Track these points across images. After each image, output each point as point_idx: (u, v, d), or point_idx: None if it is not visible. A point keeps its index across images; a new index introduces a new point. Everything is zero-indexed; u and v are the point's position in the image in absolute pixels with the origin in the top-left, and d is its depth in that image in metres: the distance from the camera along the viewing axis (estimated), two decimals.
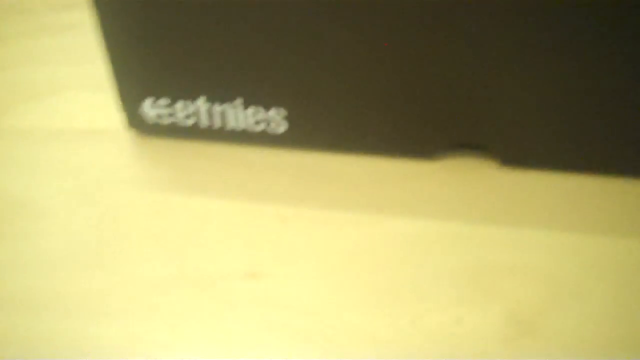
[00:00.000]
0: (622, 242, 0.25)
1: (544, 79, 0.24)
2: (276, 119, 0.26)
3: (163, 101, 0.27)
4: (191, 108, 0.27)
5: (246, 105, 0.26)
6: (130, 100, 0.27)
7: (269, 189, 0.26)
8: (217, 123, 0.27)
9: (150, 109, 0.27)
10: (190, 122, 0.27)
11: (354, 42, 0.24)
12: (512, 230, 0.25)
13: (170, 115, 0.27)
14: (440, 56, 0.24)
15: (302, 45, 0.24)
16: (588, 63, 0.23)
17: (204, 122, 0.27)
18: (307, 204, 0.26)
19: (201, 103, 0.26)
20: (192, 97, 0.26)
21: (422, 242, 0.25)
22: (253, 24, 0.24)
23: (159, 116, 0.27)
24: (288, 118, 0.26)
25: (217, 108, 0.26)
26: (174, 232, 0.25)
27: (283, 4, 0.23)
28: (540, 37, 0.23)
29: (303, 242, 0.25)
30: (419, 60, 0.24)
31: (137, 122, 0.28)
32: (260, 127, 0.27)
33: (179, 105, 0.27)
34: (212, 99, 0.26)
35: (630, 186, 0.26)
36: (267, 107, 0.26)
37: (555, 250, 0.25)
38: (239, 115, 0.27)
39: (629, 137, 0.25)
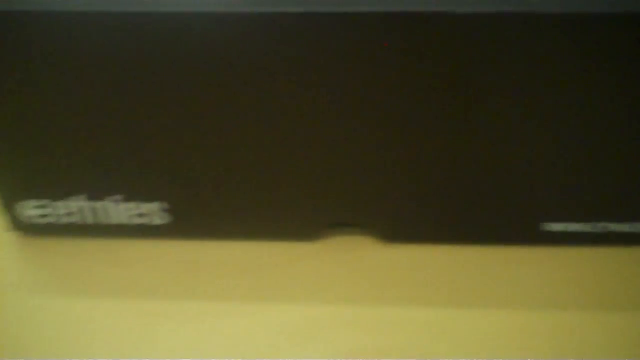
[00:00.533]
0: (504, 314, 0.25)
1: (413, 155, 0.25)
2: (157, 212, 0.27)
3: (43, 201, 0.27)
4: (72, 206, 0.27)
5: (126, 200, 0.26)
6: (10, 202, 0.27)
7: (152, 283, 0.27)
8: (100, 219, 0.27)
9: (31, 209, 0.27)
10: (72, 220, 0.27)
11: (226, 132, 0.25)
12: (396, 310, 0.26)
13: (52, 214, 0.27)
14: (308, 138, 0.24)
15: (176, 139, 0.25)
16: (453, 140, 0.24)
17: (87, 219, 0.27)
18: (190, 296, 0.26)
19: (81, 201, 0.27)
20: (71, 195, 0.26)
21: (306, 328, 0.25)
22: (125, 122, 0.24)
23: (41, 216, 0.27)
24: (169, 210, 0.27)
25: (99, 205, 0.27)
26: (55, 337, 0.25)
27: (149, 98, 0.24)
28: (401, 119, 0.24)
29: (184, 337, 0.25)
30: (290, 142, 0.25)
31: (19, 223, 0.28)
32: (143, 221, 0.27)
33: (60, 204, 0.27)
34: (91, 197, 0.26)
35: (511, 254, 0.27)
36: (146, 201, 0.26)
37: (434, 329, 0.25)
38: (120, 210, 0.27)
39: (502, 208, 0.26)
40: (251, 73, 0.23)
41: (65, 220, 0.27)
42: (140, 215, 0.27)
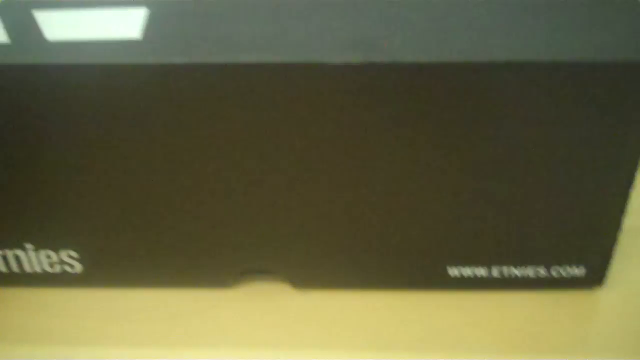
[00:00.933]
0: (415, 356, 0.26)
1: (321, 202, 0.25)
2: (69, 261, 0.27)
3: None
4: None
5: (36, 249, 0.27)
6: None
7: (68, 330, 0.27)
8: (14, 268, 0.27)
9: None
10: None
11: (137, 179, 0.25)
12: (310, 353, 0.26)
13: None
14: (220, 186, 0.25)
15: (85, 186, 0.25)
16: (357, 187, 0.25)
17: (1, 268, 0.27)
18: (106, 342, 0.26)
19: None
20: None
21: None
22: (34, 167, 0.25)
23: None
24: (80, 259, 0.27)
25: (10, 254, 0.27)
26: None
27: (58, 142, 0.24)
28: (307, 165, 0.24)
29: None
30: (202, 191, 0.25)
31: None
32: (57, 270, 0.27)
33: None
34: (2, 246, 0.27)
35: (420, 298, 0.27)
36: (57, 250, 0.27)
37: None
38: (33, 259, 0.27)
39: (409, 253, 0.26)
40: (147, 122, 0.24)
41: None
42: (53, 265, 0.27)
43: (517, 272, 0.26)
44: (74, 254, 0.27)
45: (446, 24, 0.23)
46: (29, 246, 0.27)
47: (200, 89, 0.23)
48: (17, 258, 0.27)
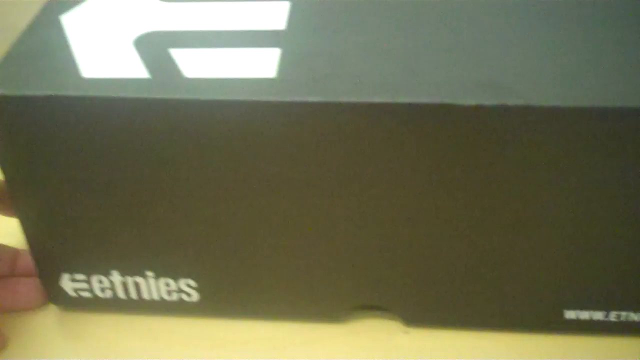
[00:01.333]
0: None
1: (438, 241, 0.25)
2: (187, 290, 0.28)
3: (79, 276, 0.28)
4: (106, 282, 0.28)
5: (157, 277, 0.27)
6: (48, 275, 0.28)
7: (181, 358, 0.27)
8: (133, 295, 0.28)
9: (68, 283, 0.28)
10: (107, 295, 0.28)
11: (253, 214, 0.26)
12: None
13: (88, 289, 0.28)
14: (334, 222, 0.25)
15: (205, 220, 0.26)
16: (476, 226, 0.25)
17: (121, 294, 0.28)
18: None
19: (115, 277, 0.28)
20: (105, 271, 0.28)
21: None
22: (157, 203, 0.26)
23: (77, 290, 0.28)
24: (198, 289, 0.28)
25: (130, 280, 0.28)
26: None
27: (177, 180, 0.25)
28: (423, 204, 0.25)
29: None
30: (316, 226, 0.26)
31: (57, 297, 0.29)
32: (174, 298, 0.28)
33: (95, 279, 0.28)
34: (124, 273, 0.28)
35: (534, 340, 0.27)
36: (176, 279, 0.27)
37: None
38: (152, 287, 0.28)
39: (526, 295, 0.26)
40: (277, 159, 0.24)
41: (101, 295, 0.28)
42: (170, 293, 0.28)
43: (635, 316, 0.26)
44: (192, 282, 0.28)
45: (576, 68, 0.24)
46: (149, 274, 0.27)
47: (335, 127, 0.23)
48: (137, 285, 0.28)
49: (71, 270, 0.28)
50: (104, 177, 0.25)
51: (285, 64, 0.24)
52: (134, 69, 0.24)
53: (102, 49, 0.25)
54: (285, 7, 0.28)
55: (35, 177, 0.26)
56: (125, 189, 0.26)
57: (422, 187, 0.24)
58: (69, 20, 0.27)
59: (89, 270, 0.28)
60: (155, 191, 0.25)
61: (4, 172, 0.26)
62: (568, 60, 0.24)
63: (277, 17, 0.27)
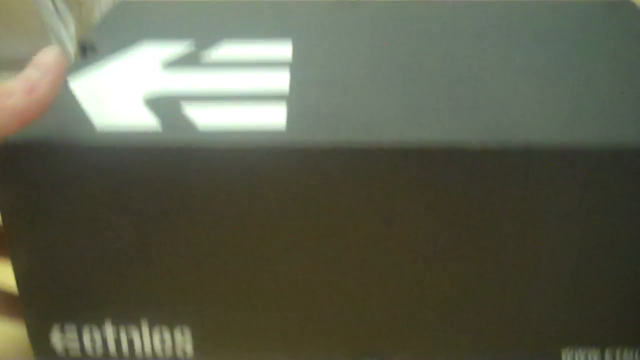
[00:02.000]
0: None
1: (435, 290, 0.26)
2: (182, 344, 0.27)
3: (70, 327, 0.27)
4: (98, 337, 0.27)
5: (152, 326, 0.27)
6: (37, 326, 0.27)
7: None
8: (125, 351, 0.27)
9: (58, 336, 0.27)
10: (98, 352, 0.27)
11: (256, 263, 0.26)
12: None
13: (77, 346, 0.27)
14: (341, 268, 0.26)
15: (208, 266, 0.26)
16: (474, 273, 0.26)
17: (112, 350, 0.27)
18: None
19: (107, 328, 0.27)
20: (98, 320, 0.27)
21: None
22: (151, 248, 0.26)
23: (66, 346, 0.27)
24: (194, 339, 0.27)
25: (124, 334, 0.27)
26: None
27: (176, 228, 0.26)
28: (424, 252, 0.25)
29: None
30: (321, 272, 0.26)
31: (44, 354, 0.28)
32: (168, 351, 0.27)
33: (86, 331, 0.27)
34: (118, 322, 0.27)
35: None
36: (172, 327, 0.27)
37: None
38: (145, 340, 0.27)
39: (523, 335, 0.27)
40: (284, 206, 0.25)
41: (90, 352, 0.27)
42: (164, 348, 0.27)
43: (629, 356, 0.27)
44: (188, 332, 0.27)
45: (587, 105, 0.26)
46: (144, 322, 0.27)
47: (343, 172, 0.25)
48: (130, 341, 0.27)
49: (63, 320, 0.27)
50: (107, 224, 0.26)
51: (292, 116, 0.26)
52: (145, 121, 0.26)
53: (112, 106, 0.27)
54: (287, 71, 0.30)
55: (35, 223, 0.26)
56: (128, 236, 0.26)
57: (427, 228, 0.25)
58: (76, 83, 0.29)
59: (82, 319, 0.27)
60: (158, 237, 0.26)
61: (3, 216, 0.26)
62: (568, 99, 0.26)
63: (280, 78, 0.29)
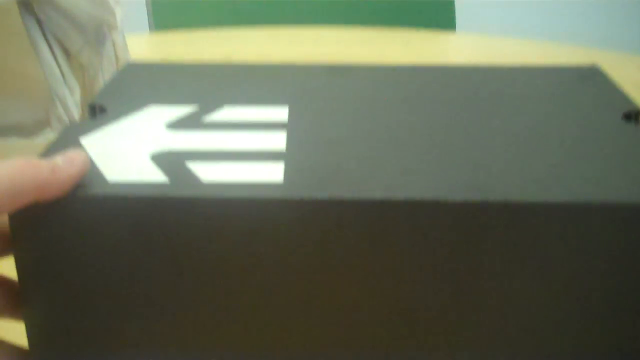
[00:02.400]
0: None
1: (428, 331, 0.27)
2: None
3: None
4: None
5: None
6: None
7: None
8: None
9: None
10: None
11: (259, 312, 0.27)
12: None
13: None
14: (338, 313, 0.27)
15: (204, 310, 0.27)
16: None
17: None
18: None
19: None
20: None
21: None
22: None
23: None
24: None
25: None
26: None
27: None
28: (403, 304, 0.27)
29: None
30: (319, 318, 0.27)
31: None
32: None
33: None
34: None
35: None
36: None
37: None
38: None
39: None
40: (283, 254, 0.27)
41: None
42: None
43: None
44: None
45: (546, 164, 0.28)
46: None
47: (337, 222, 0.26)
48: None
49: None
50: (119, 276, 0.27)
51: (289, 171, 0.28)
52: (153, 175, 0.27)
53: (121, 161, 0.29)
54: (283, 135, 0.32)
55: (50, 278, 0.27)
56: (141, 288, 0.27)
57: (414, 276, 0.27)
58: (87, 142, 0.31)
59: None
60: (163, 283, 0.27)
61: (19, 271, 0.27)
62: (543, 159, 0.28)
63: (277, 138, 0.31)
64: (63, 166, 0.26)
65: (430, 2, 1.16)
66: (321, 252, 0.26)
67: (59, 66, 0.56)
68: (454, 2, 1.15)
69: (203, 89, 0.36)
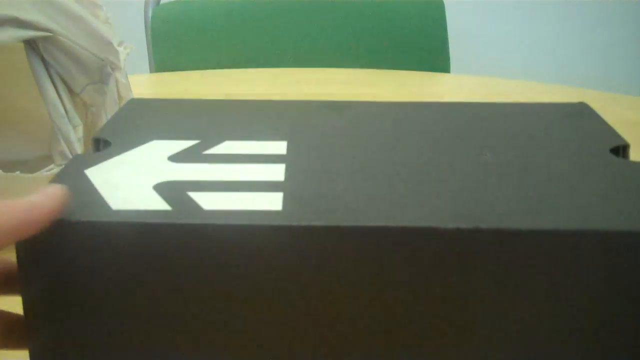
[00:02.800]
0: None
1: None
2: None
3: None
4: None
5: None
6: None
7: None
8: None
9: None
10: None
11: (248, 334, 0.28)
12: None
13: None
14: (337, 340, 0.28)
15: (205, 334, 0.28)
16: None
17: None
18: None
19: None
20: None
21: None
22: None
23: None
24: None
25: None
26: None
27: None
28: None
29: None
30: (318, 342, 0.28)
31: None
32: None
33: None
34: None
35: None
36: None
37: None
38: None
39: None
40: (283, 281, 0.28)
41: None
42: None
43: None
44: None
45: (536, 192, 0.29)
46: None
47: (334, 249, 0.27)
48: None
49: None
50: (120, 302, 0.28)
51: (288, 200, 0.29)
52: (156, 203, 0.28)
53: (125, 191, 0.30)
54: (282, 166, 0.33)
55: (55, 303, 0.28)
56: (144, 311, 0.28)
57: (409, 300, 0.28)
58: (92, 173, 0.32)
59: None
60: (164, 308, 0.28)
61: (24, 300, 0.28)
62: (535, 186, 0.29)
63: (276, 169, 0.32)
64: (39, 202, 0.26)
65: (425, 46, 1.18)
66: (319, 277, 0.27)
67: (63, 104, 0.58)
68: (448, 47, 1.18)
69: (204, 124, 0.37)
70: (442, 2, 1.17)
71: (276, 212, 0.28)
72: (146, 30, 1.11)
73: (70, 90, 0.59)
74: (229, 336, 0.29)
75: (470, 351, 0.28)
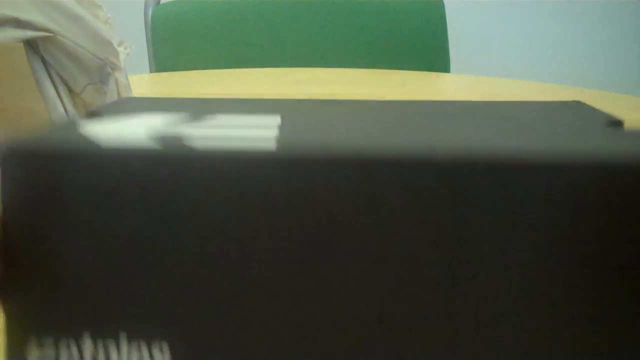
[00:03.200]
0: None
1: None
2: (161, 358, 0.29)
3: (47, 340, 0.29)
4: (75, 352, 0.29)
5: (130, 340, 0.29)
6: (15, 340, 0.28)
7: None
8: None
9: (34, 353, 0.29)
10: None
11: (244, 276, 0.28)
12: None
13: None
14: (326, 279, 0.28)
15: (187, 273, 0.28)
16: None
17: None
18: None
19: (86, 343, 0.29)
20: (77, 334, 0.29)
21: None
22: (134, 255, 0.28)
23: None
24: (172, 357, 0.29)
25: (102, 350, 0.29)
26: None
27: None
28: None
29: None
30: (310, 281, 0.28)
31: None
32: None
33: (63, 347, 0.29)
34: (96, 335, 0.29)
35: None
36: (149, 344, 0.29)
37: None
38: (123, 356, 0.29)
39: None
40: (273, 214, 0.27)
41: None
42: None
43: None
44: (166, 349, 0.29)
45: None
46: (123, 336, 0.29)
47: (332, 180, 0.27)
48: (107, 353, 0.30)
49: (41, 332, 0.29)
50: (93, 232, 0.28)
51: (283, 135, 0.28)
52: (144, 136, 0.28)
53: (113, 129, 0.29)
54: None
55: (30, 229, 0.27)
56: (113, 244, 0.28)
57: (406, 233, 0.28)
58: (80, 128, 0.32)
59: (60, 331, 0.29)
60: (146, 244, 0.28)
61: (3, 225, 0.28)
62: (531, 135, 0.29)
63: (271, 120, 0.32)
64: None
65: (425, 46, 1.19)
66: (313, 208, 0.27)
67: (63, 104, 0.59)
68: (448, 47, 1.18)
69: (198, 113, 0.38)
70: (442, 2, 1.18)
71: (269, 139, 0.27)
72: (146, 30, 1.12)
73: (70, 90, 0.59)
74: (218, 268, 0.28)
75: (470, 289, 0.28)
